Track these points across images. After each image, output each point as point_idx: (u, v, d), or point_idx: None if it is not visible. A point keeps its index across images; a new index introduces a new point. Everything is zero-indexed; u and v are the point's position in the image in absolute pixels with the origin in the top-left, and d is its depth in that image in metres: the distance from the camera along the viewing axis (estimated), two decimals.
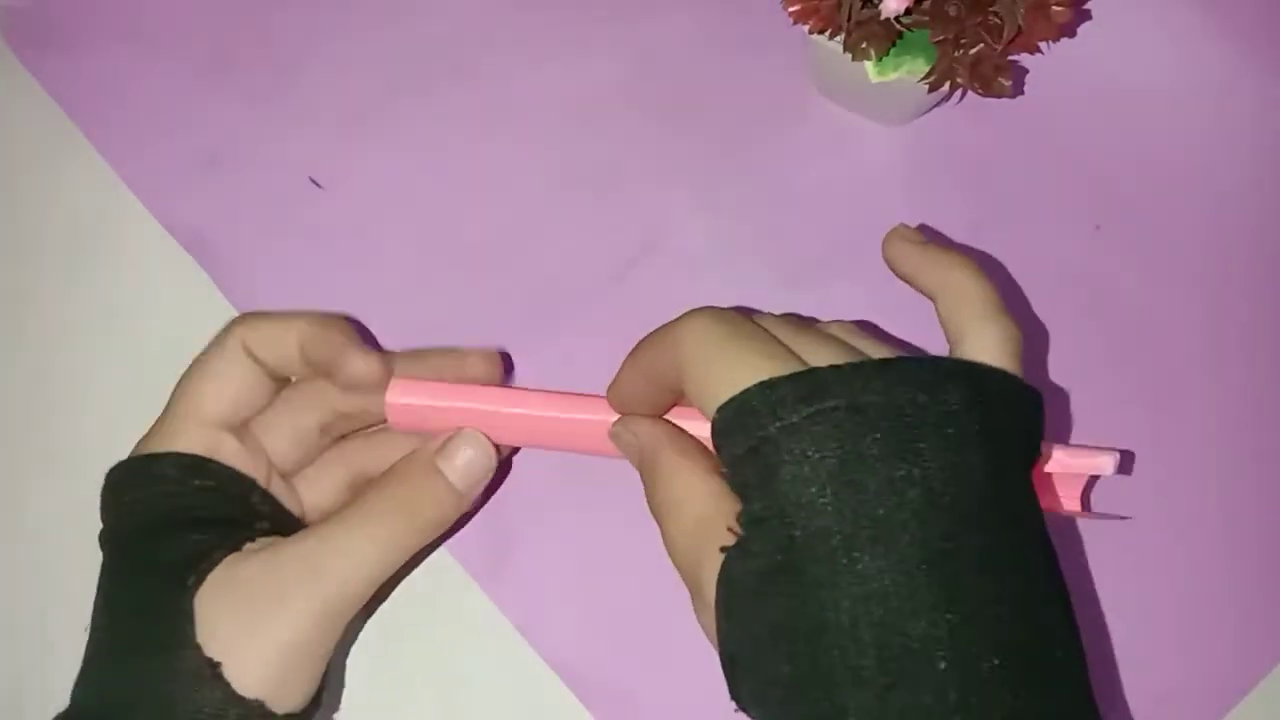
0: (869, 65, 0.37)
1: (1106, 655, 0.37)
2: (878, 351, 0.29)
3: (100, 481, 0.33)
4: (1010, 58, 0.37)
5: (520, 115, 0.44)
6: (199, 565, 0.30)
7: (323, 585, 0.30)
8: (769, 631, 0.24)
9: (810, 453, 0.24)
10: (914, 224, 0.41)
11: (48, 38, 0.45)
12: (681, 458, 0.30)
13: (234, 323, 0.34)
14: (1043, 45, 0.38)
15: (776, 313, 0.31)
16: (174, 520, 0.32)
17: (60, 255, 0.43)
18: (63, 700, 0.37)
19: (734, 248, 0.41)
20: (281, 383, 0.35)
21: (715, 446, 0.27)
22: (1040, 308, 0.40)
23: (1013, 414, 0.26)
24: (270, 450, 0.34)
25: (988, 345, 0.28)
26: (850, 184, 0.42)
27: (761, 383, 0.26)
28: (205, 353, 0.34)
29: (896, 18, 0.36)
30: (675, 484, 0.29)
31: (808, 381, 0.25)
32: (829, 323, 0.32)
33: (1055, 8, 0.36)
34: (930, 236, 0.31)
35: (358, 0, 0.45)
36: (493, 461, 0.34)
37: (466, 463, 0.33)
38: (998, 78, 0.37)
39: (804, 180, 0.42)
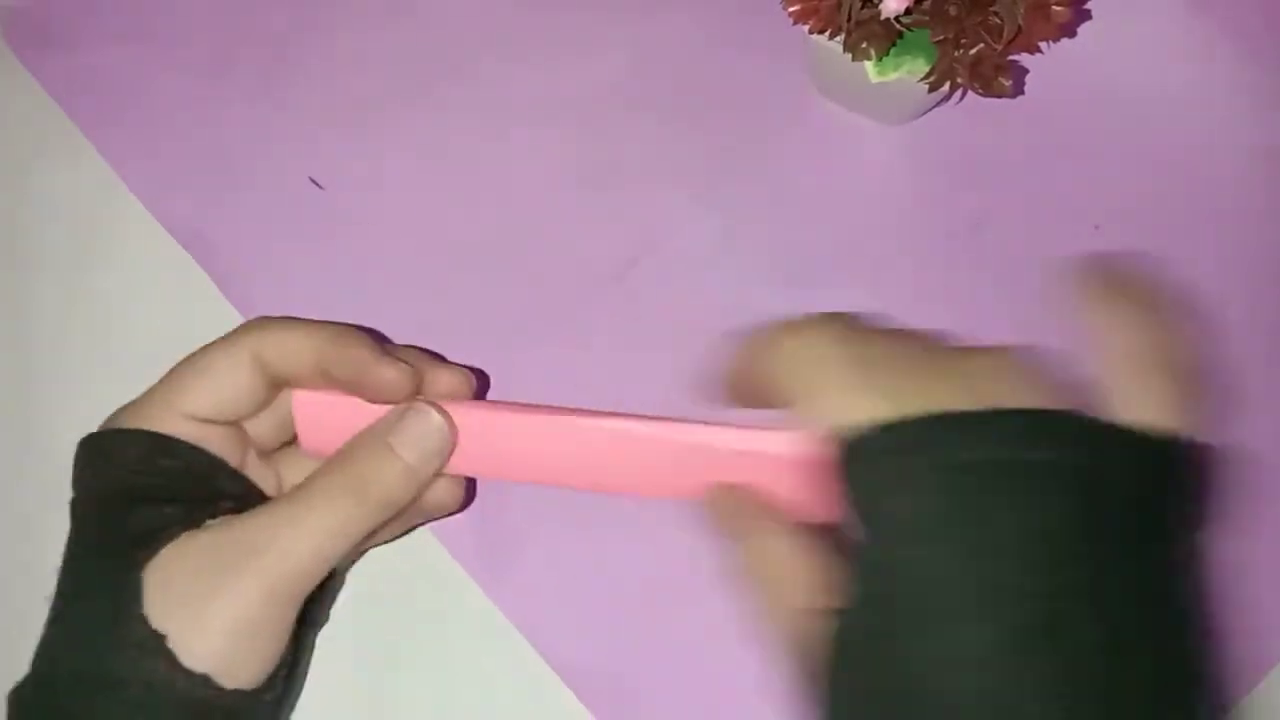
0: (869, 65, 0.37)
1: None
2: (1016, 394, 0.26)
3: None
4: (1010, 58, 0.37)
5: (520, 115, 0.44)
6: (152, 540, 0.30)
7: (270, 563, 0.30)
8: (873, 700, 0.24)
9: (927, 507, 0.23)
10: (914, 224, 0.42)
11: (48, 38, 0.45)
12: (777, 528, 0.29)
13: (248, 326, 0.34)
14: (1043, 45, 0.38)
15: (910, 327, 0.29)
16: (133, 496, 0.31)
17: (60, 255, 0.43)
18: None
19: (734, 248, 0.41)
20: (281, 388, 0.35)
21: (827, 480, 0.26)
22: (1040, 308, 0.40)
23: (1159, 479, 0.24)
24: (249, 429, 0.34)
25: (1152, 404, 0.25)
26: (850, 184, 0.42)
27: (884, 426, 0.24)
28: (209, 348, 0.33)
29: (896, 18, 0.36)
30: (771, 554, 0.29)
31: (931, 428, 0.24)
32: (978, 350, 0.28)
33: (1055, 8, 0.36)
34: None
35: (357, 0, 0.45)
36: (450, 436, 0.33)
37: (421, 438, 0.32)
38: (998, 78, 0.37)
39: (804, 180, 0.42)
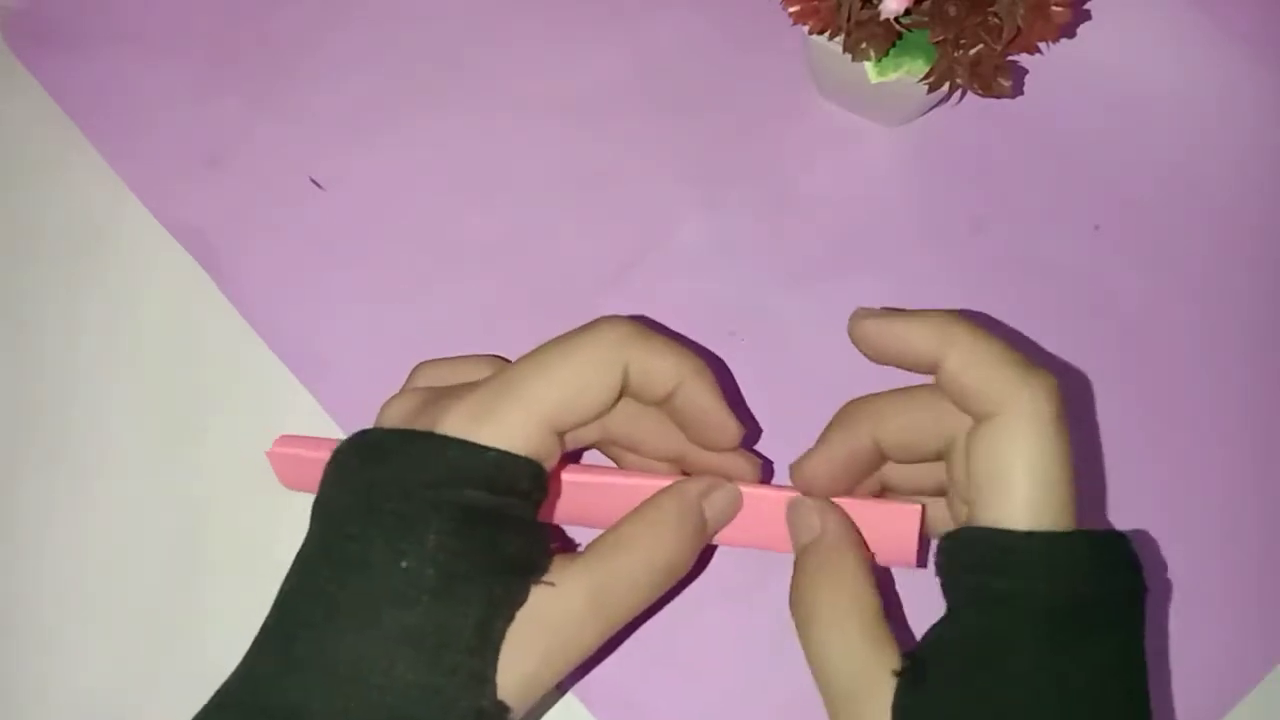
0: (869, 66, 0.37)
1: None
2: None
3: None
4: (1010, 58, 0.37)
5: (520, 115, 0.44)
6: (513, 599, 0.28)
7: (604, 623, 0.29)
8: None
9: (1046, 644, 0.26)
10: (914, 224, 0.42)
11: (48, 38, 0.45)
12: (865, 569, 0.30)
13: (612, 330, 0.30)
14: (1042, 45, 0.38)
15: None
16: (492, 536, 0.28)
17: (60, 255, 0.43)
18: (62, 698, 0.37)
19: (734, 247, 0.41)
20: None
21: (948, 550, 0.29)
22: (1040, 308, 0.40)
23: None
24: None
25: (1035, 409, 0.27)
26: (850, 184, 0.42)
27: (1084, 535, 0.27)
28: (577, 353, 0.30)
29: (896, 18, 0.36)
30: (850, 592, 0.30)
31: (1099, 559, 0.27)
32: None
33: (1055, 8, 0.36)
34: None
35: (358, 0, 0.45)
36: (739, 507, 0.33)
37: (723, 510, 0.32)
38: (997, 78, 0.37)
39: (804, 180, 0.42)
